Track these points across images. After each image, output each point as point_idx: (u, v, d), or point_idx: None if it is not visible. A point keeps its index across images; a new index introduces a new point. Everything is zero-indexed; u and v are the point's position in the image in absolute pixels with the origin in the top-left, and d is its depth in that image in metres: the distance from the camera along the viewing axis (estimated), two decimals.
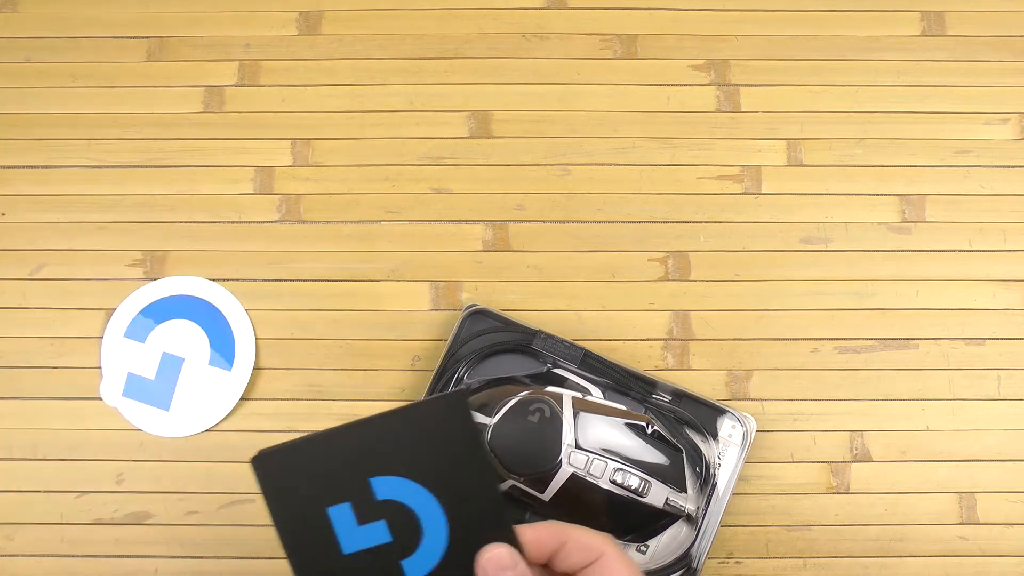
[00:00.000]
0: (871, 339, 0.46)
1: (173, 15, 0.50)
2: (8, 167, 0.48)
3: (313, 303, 0.46)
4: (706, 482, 0.42)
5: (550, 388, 0.42)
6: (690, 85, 0.49)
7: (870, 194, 0.48)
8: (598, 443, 0.40)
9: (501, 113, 0.49)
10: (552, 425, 0.40)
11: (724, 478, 0.43)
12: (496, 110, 0.49)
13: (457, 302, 0.46)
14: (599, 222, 0.47)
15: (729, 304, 0.46)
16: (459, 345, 0.44)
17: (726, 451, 0.43)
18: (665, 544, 0.42)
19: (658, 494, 0.40)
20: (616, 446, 0.41)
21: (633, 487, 0.40)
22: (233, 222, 0.47)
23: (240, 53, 0.49)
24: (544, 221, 0.47)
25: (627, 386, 0.43)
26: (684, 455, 0.42)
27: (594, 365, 0.44)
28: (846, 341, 0.46)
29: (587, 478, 0.40)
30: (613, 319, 0.46)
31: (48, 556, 0.44)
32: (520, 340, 0.44)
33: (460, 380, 0.43)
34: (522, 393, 0.41)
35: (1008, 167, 0.48)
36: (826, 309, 0.46)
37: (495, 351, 0.44)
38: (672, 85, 0.49)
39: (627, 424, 0.41)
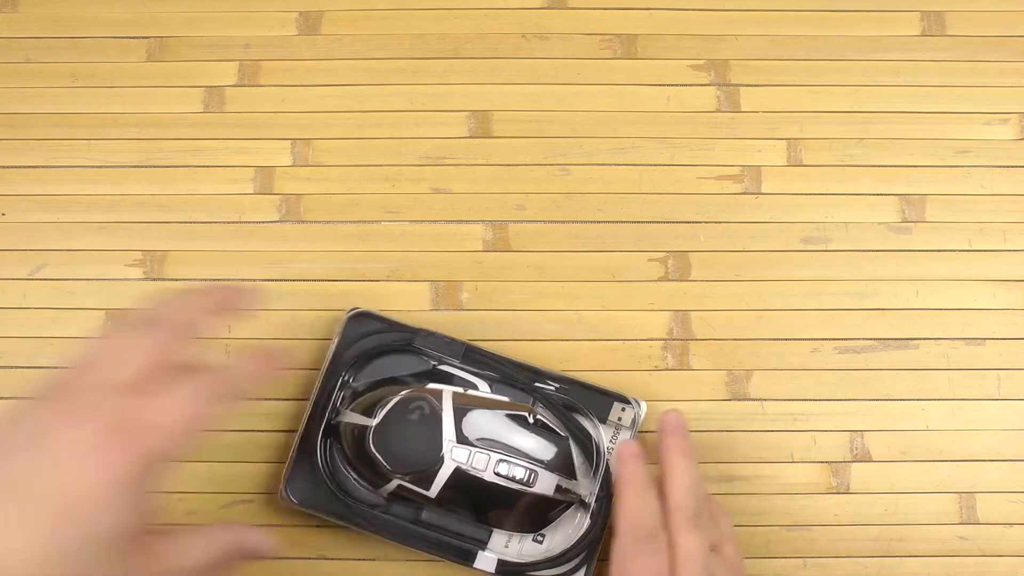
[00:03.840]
0: (871, 339, 0.46)
1: (173, 15, 0.50)
2: (8, 167, 0.48)
3: (313, 303, 0.46)
4: (597, 467, 0.42)
5: (431, 385, 0.42)
6: (690, 85, 0.49)
7: (870, 194, 0.48)
8: (480, 436, 0.40)
9: (501, 113, 0.49)
10: (432, 422, 0.40)
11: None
12: (496, 110, 0.49)
13: (457, 302, 0.46)
14: (599, 222, 0.47)
15: (729, 304, 0.46)
16: (344, 348, 0.43)
17: (618, 435, 0.43)
18: (562, 532, 0.42)
19: (547, 482, 0.41)
20: (499, 438, 0.41)
21: (519, 477, 0.40)
22: (233, 222, 0.47)
23: (240, 53, 0.49)
24: (544, 221, 0.47)
25: (512, 377, 0.43)
26: (571, 442, 0.42)
27: (478, 359, 0.43)
28: (846, 341, 0.46)
29: (471, 472, 0.40)
30: (613, 319, 0.46)
31: None
32: (402, 340, 0.43)
33: (346, 384, 0.43)
34: (402, 393, 0.41)
35: (1008, 167, 0.48)
36: (826, 309, 0.46)
37: (380, 352, 0.43)
38: (672, 85, 0.49)
39: (510, 415, 0.41)
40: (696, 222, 0.47)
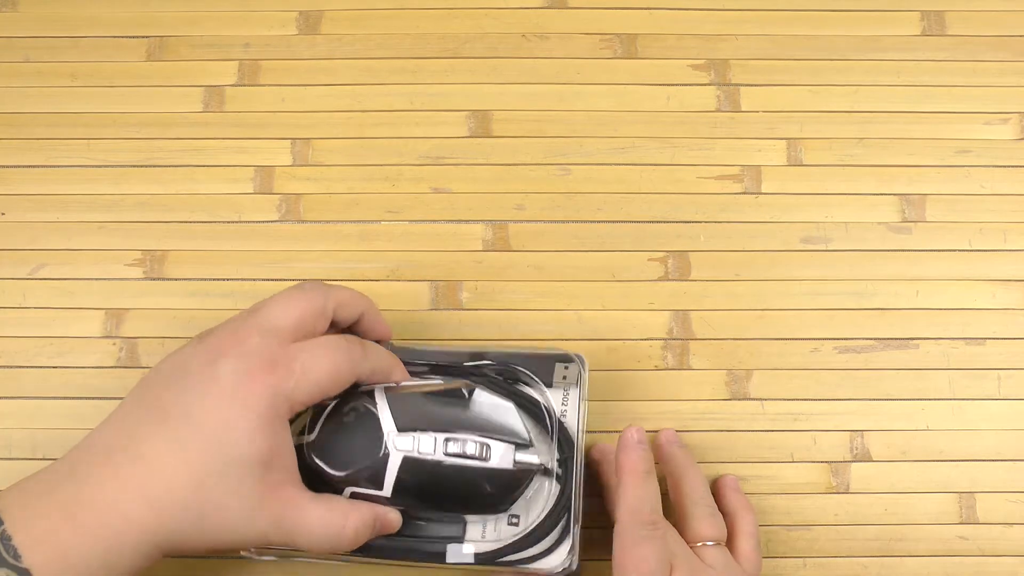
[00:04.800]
0: (871, 339, 0.46)
1: (173, 15, 0.50)
2: (8, 167, 0.48)
3: None
4: (552, 431, 0.41)
5: (362, 388, 0.40)
6: (690, 85, 0.49)
7: (870, 194, 0.48)
8: (421, 420, 0.38)
9: (501, 113, 0.49)
10: (368, 419, 0.38)
11: (573, 420, 0.41)
12: (496, 110, 0.49)
13: (457, 302, 0.46)
14: (599, 222, 0.47)
15: (729, 304, 0.46)
16: None
17: (568, 394, 0.42)
18: (535, 508, 0.40)
19: (502, 454, 0.38)
20: (441, 417, 0.39)
21: (471, 452, 0.38)
22: (233, 222, 0.47)
23: (240, 53, 0.49)
24: (544, 221, 0.47)
25: (444, 367, 0.42)
26: (518, 409, 0.40)
27: (405, 353, 0.42)
28: (846, 341, 0.46)
29: (421, 457, 0.38)
30: (613, 319, 0.46)
31: None
32: None
33: None
34: (333, 402, 0.39)
35: (1008, 167, 0.48)
36: (826, 309, 0.46)
37: None
38: (672, 85, 0.49)
39: (447, 393, 0.40)
40: (696, 222, 0.47)
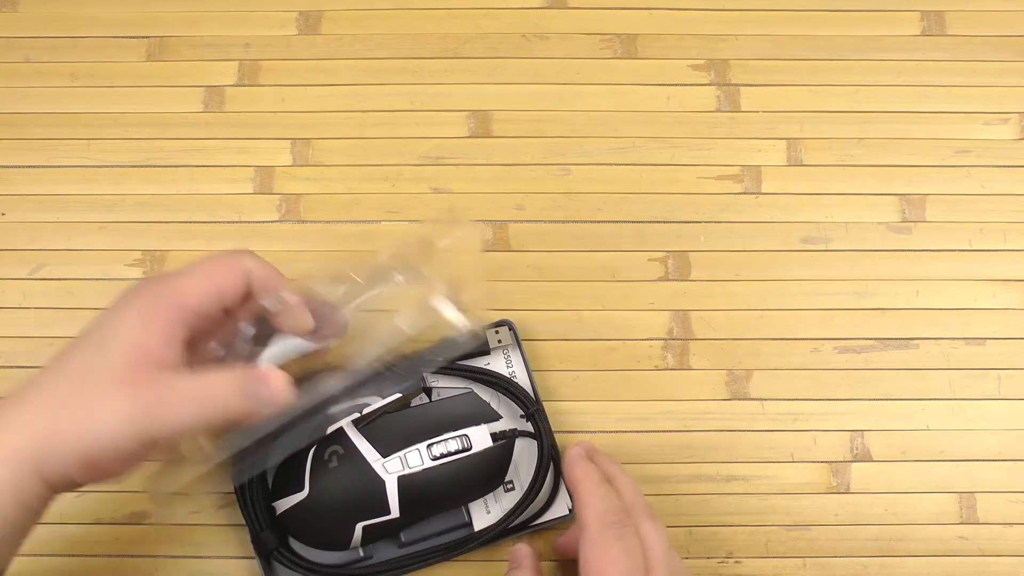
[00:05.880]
0: (871, 339, 0.46)
1: (173, 15, 0.50)
2: (8, 167, 0.48)
3: None
4: (512, 395, 0.43)
5: (330, 429, 0.41)
6: (690, 85, 0.49)
7: (870, 194, 0.48)
8: (398, 439, 0.40)
9: (501, 113, 0.49)
10: (353, 459, 0.40)
11: (524, 379, 0.44)
12: (496, 110, 0.49)
13: (457, 302, 0.46)
14: (599, 222, 0.47)
15: (729, 304, 0.46)
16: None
17: (511, 356, 0.44)
18: (523, 469, 0.43)
19: (481, 436, 0.41)
20: (414, 430, 0.41)
21: (455, 448, 0.40)
22: (233, 222, 0.47)
23: (240, 53, 0.49)
24: (544, 221, 0.47)
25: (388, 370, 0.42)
26: (475, 389, 0.43)
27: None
28: (846, 341, 0.46)
29: (413, 472, 0.40)
30: (613, 319, 0.46)
31: (48, 556, 0.44)
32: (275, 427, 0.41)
33: (255, 488, 0.42)
34: (312, 450, 0.40)
35: (1008, 167, 0.48)
36: (826, 309, 0.46)
37: (263, 443, 0.39)
38: (672, 85, 0.49)
39: (411, 406, 0.42)
40: (696, 222, 0.47)
